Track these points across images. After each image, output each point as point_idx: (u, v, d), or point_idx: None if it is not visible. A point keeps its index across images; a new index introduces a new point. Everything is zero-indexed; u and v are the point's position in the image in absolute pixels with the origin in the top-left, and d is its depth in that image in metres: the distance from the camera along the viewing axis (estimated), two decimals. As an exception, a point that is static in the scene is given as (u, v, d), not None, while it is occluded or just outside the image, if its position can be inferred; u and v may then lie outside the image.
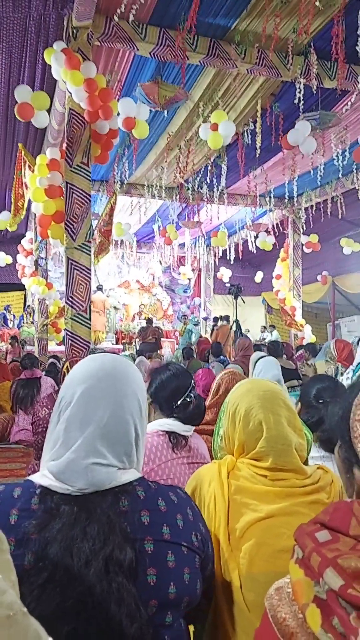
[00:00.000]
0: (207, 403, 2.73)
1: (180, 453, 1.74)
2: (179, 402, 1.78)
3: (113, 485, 0.89)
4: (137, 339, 11.54)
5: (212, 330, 11.32)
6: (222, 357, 6.71)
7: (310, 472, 1.23)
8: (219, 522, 1.16)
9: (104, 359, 1.00)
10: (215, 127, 5.51)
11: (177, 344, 12.43)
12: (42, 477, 0.90)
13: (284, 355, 5.35)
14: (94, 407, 0.92)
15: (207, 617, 1.18)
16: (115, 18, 4.42)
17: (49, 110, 5.40)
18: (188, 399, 1.80)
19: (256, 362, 3.54)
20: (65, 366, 2.91)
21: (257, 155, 6.40)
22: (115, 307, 13.32)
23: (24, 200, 6.68)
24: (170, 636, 0.88)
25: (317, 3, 3.64)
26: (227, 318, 10.38)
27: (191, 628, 1.26)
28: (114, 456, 0.91)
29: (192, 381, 1.88)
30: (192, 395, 1.82)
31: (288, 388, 4.29)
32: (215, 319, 11.31)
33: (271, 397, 1.26)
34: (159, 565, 0.87)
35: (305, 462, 1.28)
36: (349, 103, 5.83)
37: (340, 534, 0.64)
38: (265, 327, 13.94)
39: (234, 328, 9.06)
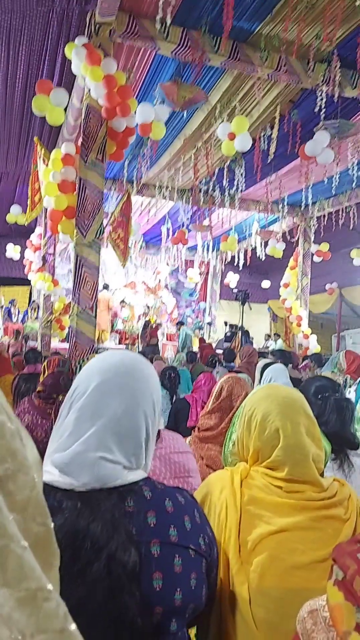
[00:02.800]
0: (208, 407, 2.67)
1: (157, 445, 1.68)
2: None
3: (119, 484, 0.85)
4: (140, 342, 11.51)
5: (225, 335, 11.25)
6: (232, 363, 6.65)
7: (327, 484, 1.17)
8: (229, 532, 1.11)
9: (124, 355, 0.98)
10: (232, 136, 5.48)
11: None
12: (45, 473, 0.86)
13: (291, 365, 5.29)
14: (109, 400, 0.89)
15: (207, 622, 1.13)
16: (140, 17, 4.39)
17: (65, 107, 5.36)
18: None
19: (263, 369, 3.49)
20: (72, 366, 2.82)
21: (271, 161, 6.37)
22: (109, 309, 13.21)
23: (40, 195, 6.64)
24: None
25: (357, 3, 3.58)
26: (235, 326, 10.35)
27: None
28: (122, 454, 0.87)
29: None
30: None
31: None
32: (232, 326, 11.25)
33: (290, 404, 1.20)
34: (165, 570, 0.83)
35: (321, 474, 1.23)
36: (369, 113, 5.79)
37: None
38: (269, 336, 13.87)
39: (239, 334, 9.01)
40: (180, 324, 12.83)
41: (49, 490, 0.83)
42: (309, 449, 1.15)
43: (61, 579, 0.73)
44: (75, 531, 0.79)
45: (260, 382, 3.40)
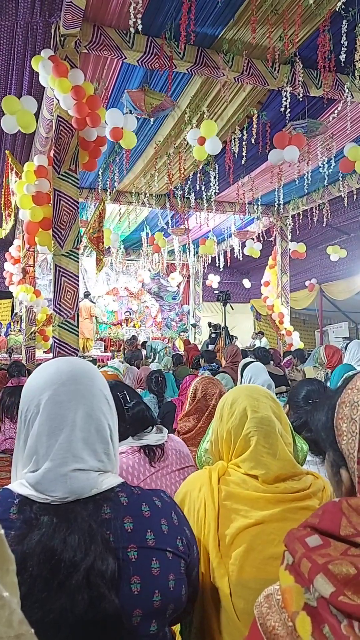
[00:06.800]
0: (186, 410, 2.67)
1: (160, 464, 1.63)
2: None
3: (94, 492, 0.86)
4: (125, 349, 11.47)
5: (210, 336, 11.26)
6: (214, 364, 6.67)
7: (299, 469, 1.23)
8: (208, 528, 1.15)
9: (61, 363, 0.97)
10: (202, 141, 5.53)
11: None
12: (21, 486, 0.87)
13: (272, 362, 5.36)
14: (65, 411, 0.89)
15: (190, 619, 1.17)
16: (104, 27, 4.44)
17: (37, 116, 5.37)
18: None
19: (242, 368, 3.54)
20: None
21: (244, 163, 6.45)
22: (96, 318, 13.17)
23: (12, 209, 6.64)
24: None
25: (311, 1, 3.66)
26: (218, 326, 10.38)
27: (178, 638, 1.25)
28: (93, 457, 0.89)
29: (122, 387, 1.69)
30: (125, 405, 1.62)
31: (277, 394, 4.29)
32: (215, 327, 11.26)
33: (256, 390, 1.31)
34: (143, 573, 0.85)
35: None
36: (336, 111, 5.90)
37: (331, 539, 0.62)
38: (256, 334, 13.99)
39: (223, 334, 9.06)
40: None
41: (26, 502, 0.85)
42: (276, 423, 1.23)
43: (42, 592, 0.77)
44: (52, 546, 0.79)
45: (241, 382, 3.45)
